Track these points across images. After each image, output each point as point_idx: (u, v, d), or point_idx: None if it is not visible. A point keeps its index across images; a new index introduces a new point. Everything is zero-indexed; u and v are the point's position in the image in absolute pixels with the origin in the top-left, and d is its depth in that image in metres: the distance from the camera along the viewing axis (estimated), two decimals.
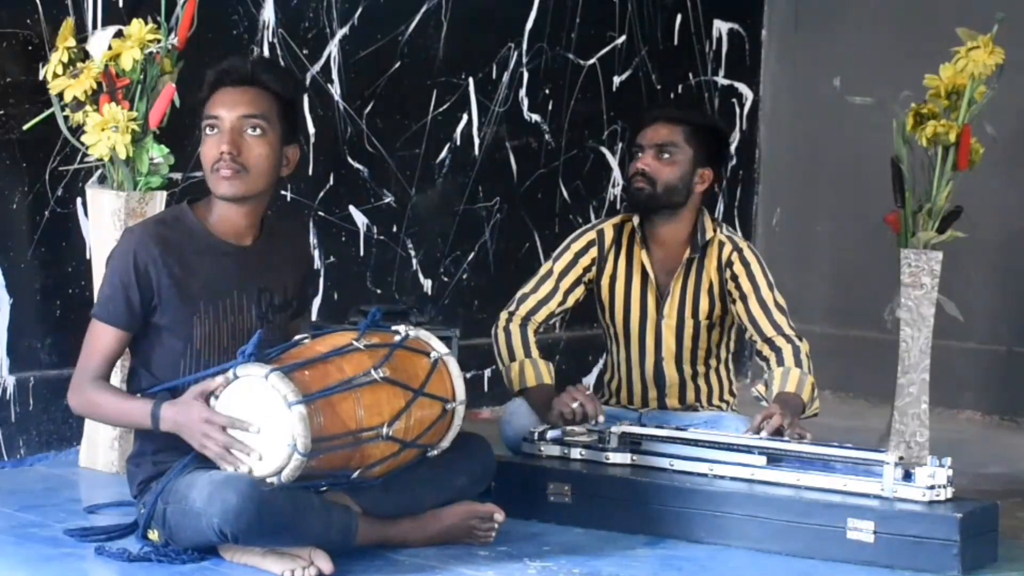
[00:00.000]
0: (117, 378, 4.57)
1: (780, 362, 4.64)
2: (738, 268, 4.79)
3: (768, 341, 4.70)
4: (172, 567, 3.82)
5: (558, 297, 4.87)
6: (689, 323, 4.83)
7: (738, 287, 4.78)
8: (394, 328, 4.06)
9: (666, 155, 4.75)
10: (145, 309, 3.95)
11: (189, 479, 3.82)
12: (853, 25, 6.79)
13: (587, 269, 4.89)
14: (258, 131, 3.96)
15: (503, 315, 4.87)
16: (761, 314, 4.74)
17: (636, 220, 4.85)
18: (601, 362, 6.38)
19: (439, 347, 4.08)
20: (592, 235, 4.90)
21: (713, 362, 4.89)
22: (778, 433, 4.38)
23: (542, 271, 4.91)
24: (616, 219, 4.94)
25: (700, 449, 4.39)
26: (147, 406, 3.88)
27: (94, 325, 3.98)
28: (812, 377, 4.62)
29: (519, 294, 4.89)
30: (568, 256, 4.89)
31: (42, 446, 4.98)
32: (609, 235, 4.89)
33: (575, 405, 4.57)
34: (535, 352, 4.80)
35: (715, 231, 4.83)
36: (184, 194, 5.07)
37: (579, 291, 4.90)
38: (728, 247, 4.81)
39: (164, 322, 3.96)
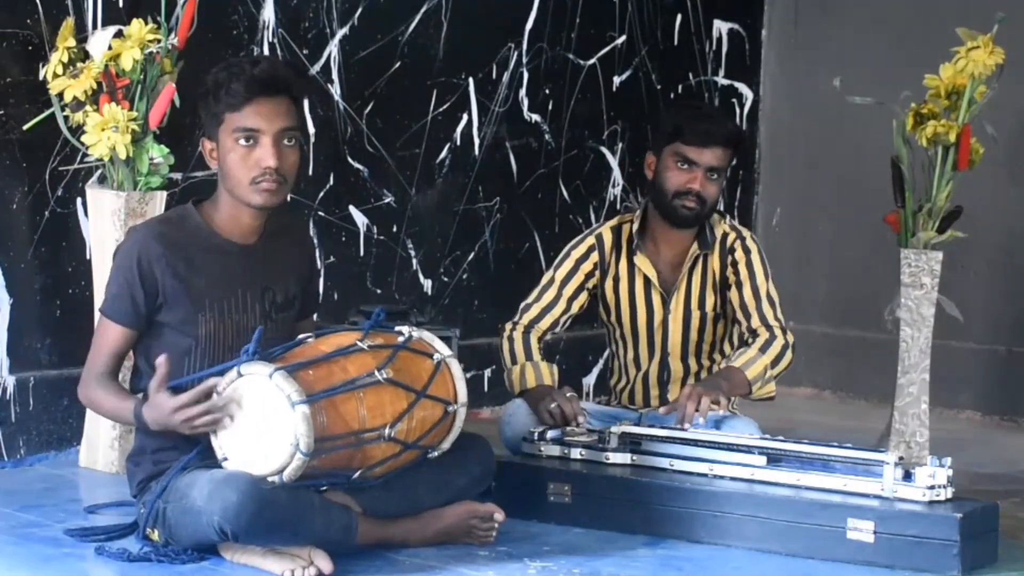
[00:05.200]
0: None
1: (747, 345, 4.70)
2: (739, 255, 4.82)
3: (752, 331, 4.75)
4: (172, 567, 3.82)
5: (561, 304, 4.87)
6: (696, 315, 4.85)
7: (736, 273, 4.81)
8: (397, 329, 4.06)
9: (715, 175, 4.75)
10: (150, 308, 3.97)
11: (189, 478, 3.82)
12: (853, 25, 6.79)
13: (589, 275, 4.89)
14: (293, 142, 3.99)
15: (507, 325, 4.88)
16: (752, 303, 4.78)
17: (635, 226, 4.86)
18: (601, 362, 6.39)
19: (442, 349, 4.08)
20: (591, 240, 4.91)
21: (717, 356, 4.91)
22: (697, 406, 4.45)
23: (544, 280, 4.92)
24: (613, 222, 4.94)
25: (700, 449, 4.39)
26: (131, 405, 3.90)
27: (102, 321, 4.01)
28: (768, 361, 4.67)
29: (522, 305, 4.91)
30: (569, 264, 4.90)
31: (42, 446, 4.98)
32: (608, 239, 4.90)
33: (552, 407, 4.58)
34: (537, 356, 4.81)
35: (721, 225, 4.85)
36: (184, 194, 5.08)
37: (583, 297, 4.90)
38: (732, 236, 4.84)
39: (169, 320, 3.97)
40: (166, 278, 3.95)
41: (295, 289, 4.15)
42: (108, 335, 3.99)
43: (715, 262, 4.84)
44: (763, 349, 4.69)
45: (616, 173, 6.56)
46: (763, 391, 4.77)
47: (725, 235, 4.85)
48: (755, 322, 4.76)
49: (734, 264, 4.82)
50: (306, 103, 5.45)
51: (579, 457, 4.51)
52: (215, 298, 3.98)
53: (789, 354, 4.73)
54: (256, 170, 3.95)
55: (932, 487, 4.10)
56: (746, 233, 4.87)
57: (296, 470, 3.74)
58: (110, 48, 4.73)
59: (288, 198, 5.45)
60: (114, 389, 4.00)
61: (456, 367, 4.08)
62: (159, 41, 4.76)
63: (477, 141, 6.12)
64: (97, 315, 4.08)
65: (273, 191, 3.97)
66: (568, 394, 4.64)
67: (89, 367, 4.00)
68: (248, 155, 3.95)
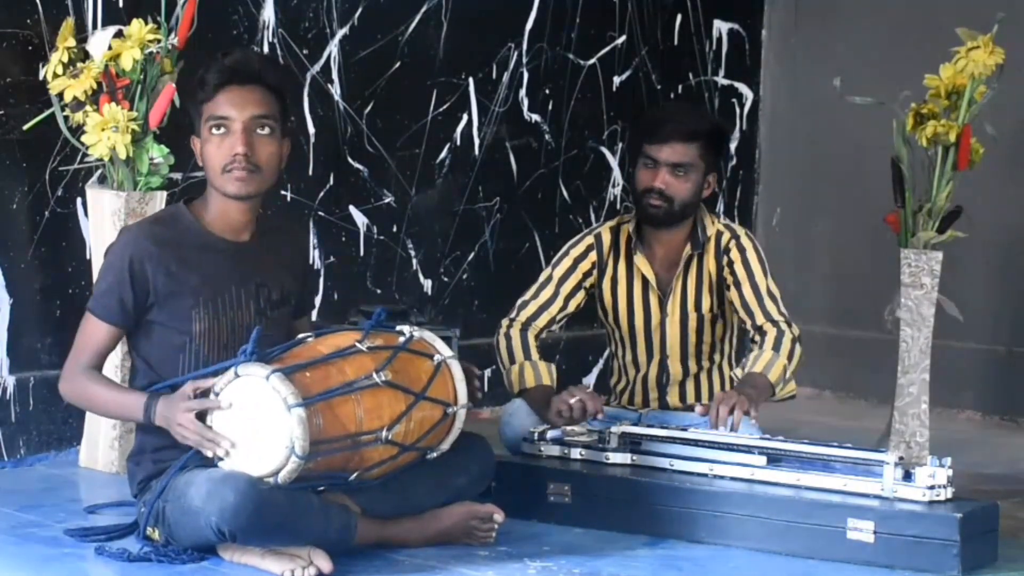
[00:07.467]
0: (118, 377, 4.59)
1: (760, 347, 4.68)
2: (734, 254, 4.80)
3: (758, 329, 4.73)
4: (172, 567, 3.82)
5: (559, 302, 4.87)
6: (692, 317, 4.84)
7: (733, 273, 4.80)
8: (398, 329, 4.05)
9: (681, 172, 4.74)
10: (139, 307, 3.97)
11: (188, 477, 3.82)
12: (853, 25, 6.79)
13: (587, 274, 4.89)
14: (267, 130, 3.98)
15: (504, 322, 4.87)
16: (754, 300, 4.76)
17: (632, 226, 4.86)
18: (601, 362, 6.38)
19: (443, 350, 4.07)
20: (590, 239, 4.91)
21: (717, 357, 4.90)
22: (729, 413, 4.42)
23: (542, 278, 4.91)
24: (612, 222, 4.94)
25: (700, 449, 4.39)
26: (142, 399, 3.90)
27: (88, 318, 4.00)
28: (786, 360, 4.65)
29: (519, 301, 4.90)
30: (567, 262, 4.89)
31: (42, 446, 4.98)
32: (607, 239, 4.89)
33: (573, 401, 4.56)
34: (535, 355, 4.81)
35: (714, 225, 4.84)
36: (184, 194, 5.08)
37: (580, 296, 4.90)
38: (726, 235, 4.83)
39: (162, 318, 3.97)
40: (158, 277, 3.95)
41: (291, 286, 4.15)
42: (94, 332, 3.99)
43: (710, 263, 4.83)
44: (776, 348, 4.66)
45: (616, 173, 6.56)
46: (785, 391, 4.76)
47: (719, 234, 4.83)
48: (759, 319, 4.74)
49: (730, 264, 4.81)
50: (306, 103, 5.49)
51: (579, 457, 4.51)
52: (208, 295, 3.98)
53: (799, 347, 4.70)
54: (227, 158, 3.95)
55: (932, 487, 4.10)
56: (740, 231, 4.86)
57: (291, 472, 3.74)
58: (110, 48, 4.73)
59: (288, 198, 5.51)
60: (107, 382, 4.00)
61: (457, 368, 4.07)
62: (159, 41, 4.76)
63: (477, 141, 6.12)
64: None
65: (244, 179, 3.96)
66: (588, 390, 4.64)
67: (74, 362, 4.00)
68: (221, 143, 3.96)
